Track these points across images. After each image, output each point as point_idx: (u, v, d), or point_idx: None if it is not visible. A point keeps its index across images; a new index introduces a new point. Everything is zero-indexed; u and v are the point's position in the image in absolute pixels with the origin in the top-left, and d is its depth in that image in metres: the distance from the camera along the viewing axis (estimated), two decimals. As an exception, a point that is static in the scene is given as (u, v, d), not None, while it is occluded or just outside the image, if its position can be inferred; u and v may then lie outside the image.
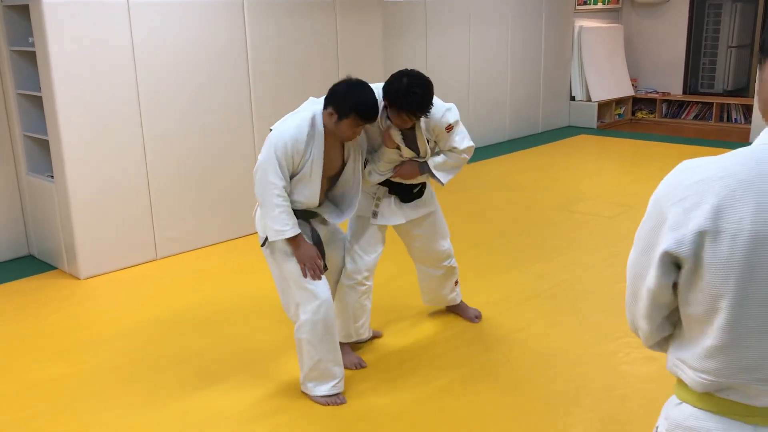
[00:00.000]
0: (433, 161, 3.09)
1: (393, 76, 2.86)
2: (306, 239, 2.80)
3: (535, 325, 3.60)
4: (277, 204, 2.67)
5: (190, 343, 3.48)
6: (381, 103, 2.88)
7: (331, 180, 2.94)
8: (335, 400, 2.89)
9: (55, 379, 3.16)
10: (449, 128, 3.01)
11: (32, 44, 4.19)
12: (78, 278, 4.35)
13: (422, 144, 3.04)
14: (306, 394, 2.93)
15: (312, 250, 2.78)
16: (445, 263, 3.42)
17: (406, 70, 2.87)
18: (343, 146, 2.88)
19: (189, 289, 4.17)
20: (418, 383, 3.06)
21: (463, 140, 3.09)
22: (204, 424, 2.78)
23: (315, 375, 2.86)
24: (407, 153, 3.04)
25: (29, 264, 4.65)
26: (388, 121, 2.94)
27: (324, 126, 2.74)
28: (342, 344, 3.23)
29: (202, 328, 3.65)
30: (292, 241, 2.74)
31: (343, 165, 2.92)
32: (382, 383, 3.07)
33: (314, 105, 2.81)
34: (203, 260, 4.68)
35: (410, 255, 3.47)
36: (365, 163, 3.05)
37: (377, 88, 2.88)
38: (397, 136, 2.96)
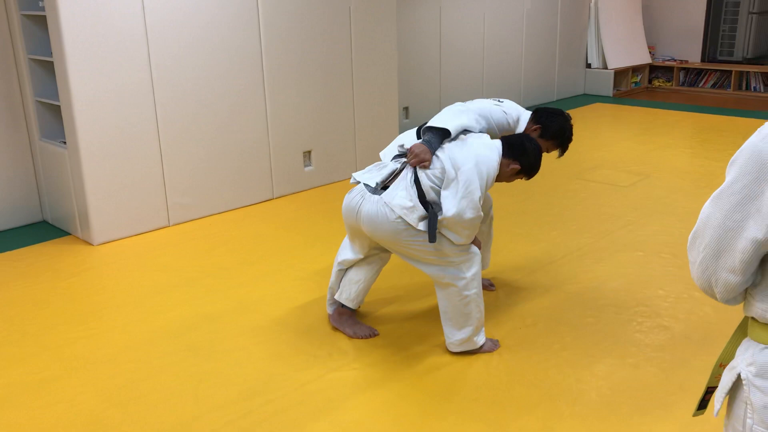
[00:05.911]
0: None
1: (552, 112, 3.28)
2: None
3: (548, 294, 3.59)
4: (477, 219, 2.84)
5: (202, 308, 3.50)
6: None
7: None
8: (497, 343, 3.08)
9: (71, 343, 3.19)
10: None
11: (43, 8, 4.16)
12: (91, 244, 4.37)
13: None
14: (468, 351, 3.00)
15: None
16: (491, 212, 3.58)
17: (560, 110, 3.34)
18: None
19: (201, 256, 4.19)
20: (432, 350, 3.07)
21: None
22: (215, 390, 2.80)
23: (479, 325, 2.99)
24: None
25: (43, 230, 4.68)
26: None
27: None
28: (351, 313, 3.26)
29: (213, 293, 3.66)
30: None
31: None
32: (396, 352, 3.07)
33: (498, 148, 2.94)
34: (215, 227, 4.68)
35: None
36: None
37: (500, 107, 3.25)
38: None
